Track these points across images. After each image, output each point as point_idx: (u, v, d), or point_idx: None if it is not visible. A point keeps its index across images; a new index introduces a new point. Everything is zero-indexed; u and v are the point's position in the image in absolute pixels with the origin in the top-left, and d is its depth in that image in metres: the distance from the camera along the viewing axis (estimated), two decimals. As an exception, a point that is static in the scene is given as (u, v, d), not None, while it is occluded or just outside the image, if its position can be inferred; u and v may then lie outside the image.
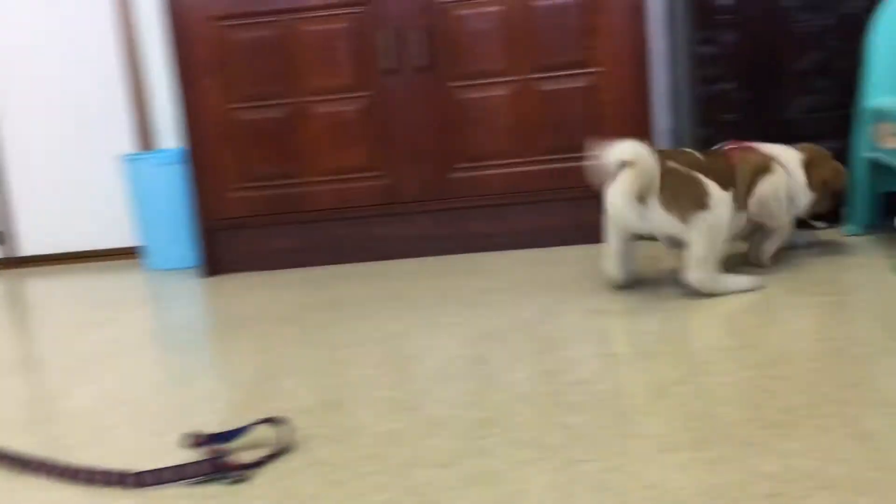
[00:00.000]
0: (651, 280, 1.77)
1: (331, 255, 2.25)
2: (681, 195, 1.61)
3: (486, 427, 1.12)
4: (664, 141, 2.52)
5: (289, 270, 2.24)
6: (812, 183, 1.75)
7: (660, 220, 1.61)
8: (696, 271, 1.61)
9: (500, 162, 2.16)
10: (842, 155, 1.99)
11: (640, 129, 2.09)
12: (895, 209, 1.97)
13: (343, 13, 2.13)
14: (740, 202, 1.67)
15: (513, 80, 2.12)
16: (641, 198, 1.59)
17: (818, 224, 1.81)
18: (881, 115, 1.79)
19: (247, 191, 2.22)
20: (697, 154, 1.68)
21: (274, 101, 2.18)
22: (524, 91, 2.12)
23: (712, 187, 1.61)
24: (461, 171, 2.17)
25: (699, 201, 1.60)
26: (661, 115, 2.52)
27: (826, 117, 2.00)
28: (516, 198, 2.17)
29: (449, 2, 2.09)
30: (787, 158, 1.75)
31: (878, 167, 1.88)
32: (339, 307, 1.83)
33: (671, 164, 1.62)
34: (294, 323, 1.74)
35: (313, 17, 2.14)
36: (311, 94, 2.18)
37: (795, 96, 2.00)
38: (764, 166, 1.70)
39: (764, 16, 1.98)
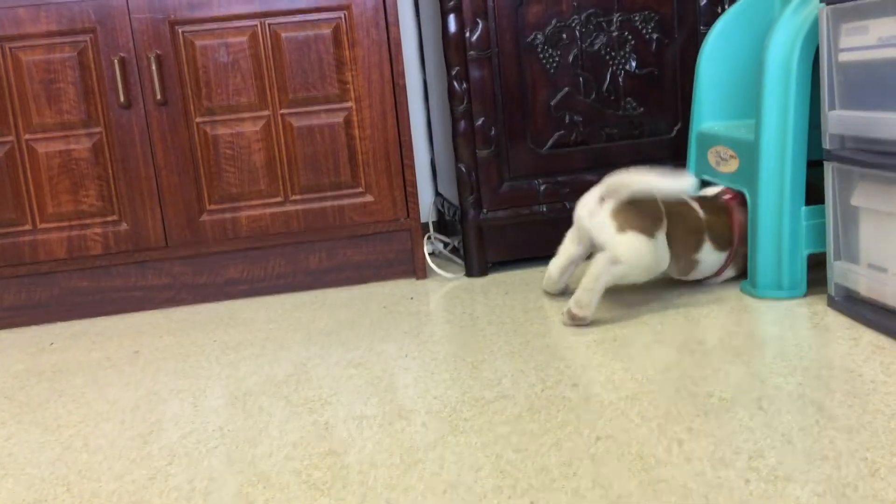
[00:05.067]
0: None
1: (64, 311, 2.00)
2: (634, 210, 1.61)
3: (219, 522, 0.98)
4: (425, 177, 2.50)
5: (13, 330, 1.97)
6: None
7: (600, 221, 1.63)
8: (609, 265, 1.61)
9: (254, 202, 2.02)
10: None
11: (396, 164, 2.03)
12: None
13: (66, 41, 1.91)
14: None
15: (263, 116, 1.99)
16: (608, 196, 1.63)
17: None
18: (713, 139, 1.85)
19: (-43, 243, 1.93)
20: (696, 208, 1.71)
21: (-12, 140, 1.92)
22: (276, 127, 1.99)
23: (659, 232, 1.63)
24: (212, 214, 2.01)
25: (644, 223, 1.61)
26: (420, 151, 2.49)
27: (576, 152, 2.04)
28: (273, 240, 2.03)
29: (187, 31, 1.93)
30: None
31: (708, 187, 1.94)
32: (65, 374, 1.61)
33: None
34: (4, 398, 1.51)
35: (31, 45, 1.90)
36: (33, 131, 1.93)
37: (546, 131, 2.02)
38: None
39: (511, 51, 1.99)
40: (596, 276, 1.57)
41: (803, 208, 1.60)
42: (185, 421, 1.32)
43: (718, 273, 1.75)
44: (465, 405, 1.27)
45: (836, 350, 1.35)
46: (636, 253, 1.59)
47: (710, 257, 1.71)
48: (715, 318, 1.56)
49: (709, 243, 1.70)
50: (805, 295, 1.62)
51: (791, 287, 1.62)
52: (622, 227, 1.60)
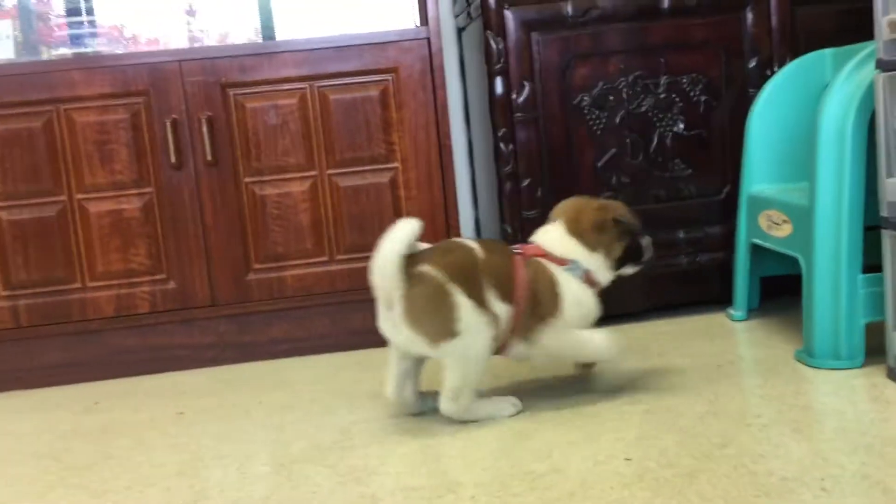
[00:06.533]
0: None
1: (112, 369, 2.01)
2: (427, 314, 1.42)
3: None
4: (469, 235, 2.49)
5: (60, 388, 1.98)
6: (588, 244, 1.54)
7: (406, 337, 1.44)
8: (450, 403, 1.46)
9: (300, 262, 2.02)
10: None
11: (441, 225, 2.02)
12: (773, 292, 2.01)
13: (120, 104, 1.94)
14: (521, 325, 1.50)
15: (311, 176, 2.00)
16: (388, 304, 1.43)
17: (628, 271, 1.60)
18: (764, 203, 1.83)
19: (6, 300, 1.95)
20: (483, 252, 1.49)
21: (41, 200, 1.95)
22: (323, 187, 2.01)
23: (465, 309, 1.42)
24: (258, 273, 2.02)
25: (448, 326, 1.42)
26: (465, 210, 2.49)
27: (623, 214, 2.02)
28: (318, 299, 2.03)
29: (238, 94, 1.96)
30: (559, 243, 1.54)
31: (758, 252, 1.92)
32: (111, 435, 1.61)
33: (425, 268, 1.42)
34: (53, 459, 1.51)
35: (86, 107, 1.94)
36: (85, 191, 1.96)
37: (592, 192, 2.01)
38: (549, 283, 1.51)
39: (558, 113, 1.99)
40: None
41: (860, 276, 1.57)
42: (230, 489, 1.31)
43: (505, 342, 1.50)
44: (514, 479, 1.24)
45: (899, 426, 1.30)
46: (463, 363, 1.44)
47: (502, 310, 1.47)
48: (771, 388, 1.52)
49: (490, 288, 1.46)
50: (863, 365, 1.57)
51: (849, 357, 1.58)
52: (434, 339, 1.42)
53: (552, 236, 1.57)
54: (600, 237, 1.55)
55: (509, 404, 1.51)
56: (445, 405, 1.46)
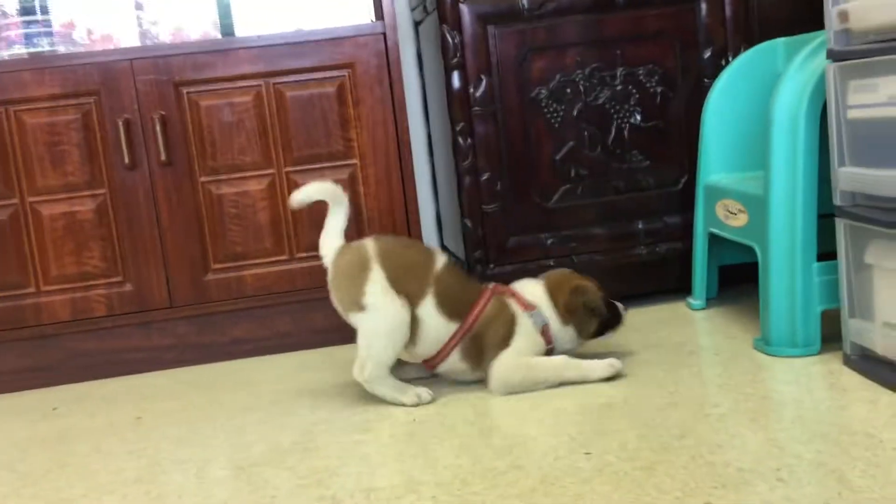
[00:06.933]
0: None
1: (68, 374, 1.98)
2: (344, 281, 1.58)
3: None
4: (431, 233, 2.48)
5: (16, 394, 1.94)
6: (560, 314, 1.62)
7: (333, 299, 1.61)
8: (357, 370, 1.57)
9: (259, 261, 2.00)
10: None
11: (402, 220, 2.01)
12: (732, 281, 2.06)
13: (70, 104, 1.91)
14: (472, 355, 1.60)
15: (268, 174, 1.98)
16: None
17: (608, 336, 1.68)
18: (721, 193, 1.84)
19: (-41, 307, 1.92)
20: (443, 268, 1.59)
21: (-8, 203, 1.92)
22: (281, 185, 1.99)
23: (376, 288, 1.54)
24: (217, 273, 1.99)
25: (356, 298, 1.55)
26: (426, 206, 2.48)
27: (582, 205, 2.02)
28: (279, 298, 2.01)
29: (192, 92, 1.94)
30: (537, 298, 1.62)
31: (716, 241, 1.94)
32: (68, 442, 1.58)
33: (365, 242, 1.60)
34: (6, 469, 1.48)
35: (35, 108, 1.90)
36: (37, 193, 1.92)
37: (551, 185, 2.01)
38: (506, 322, 1.59)
39: (516, 107, 1.98)
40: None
41: (815, 264, 1.58)
42: (188, 494, 1.29)
43: (441, 354, 1.60)
44: (476, 476, 1.24)
45: (854, 414, 1.32)
46: (368, 337, 1.56)
47: (434, 321, 1.56)
48: (729, 377, 1.53)
49: (432, 300, 1.56)
50: (819, 352, 1.59)
51: (805, 344, 1.60)
52: (346, 307, 1.58)
53: (529, 286, 1.66)
54: (571, 317, 1.63)
55: (414, 394, 1.57)
56: (354, 371, 1.57)
